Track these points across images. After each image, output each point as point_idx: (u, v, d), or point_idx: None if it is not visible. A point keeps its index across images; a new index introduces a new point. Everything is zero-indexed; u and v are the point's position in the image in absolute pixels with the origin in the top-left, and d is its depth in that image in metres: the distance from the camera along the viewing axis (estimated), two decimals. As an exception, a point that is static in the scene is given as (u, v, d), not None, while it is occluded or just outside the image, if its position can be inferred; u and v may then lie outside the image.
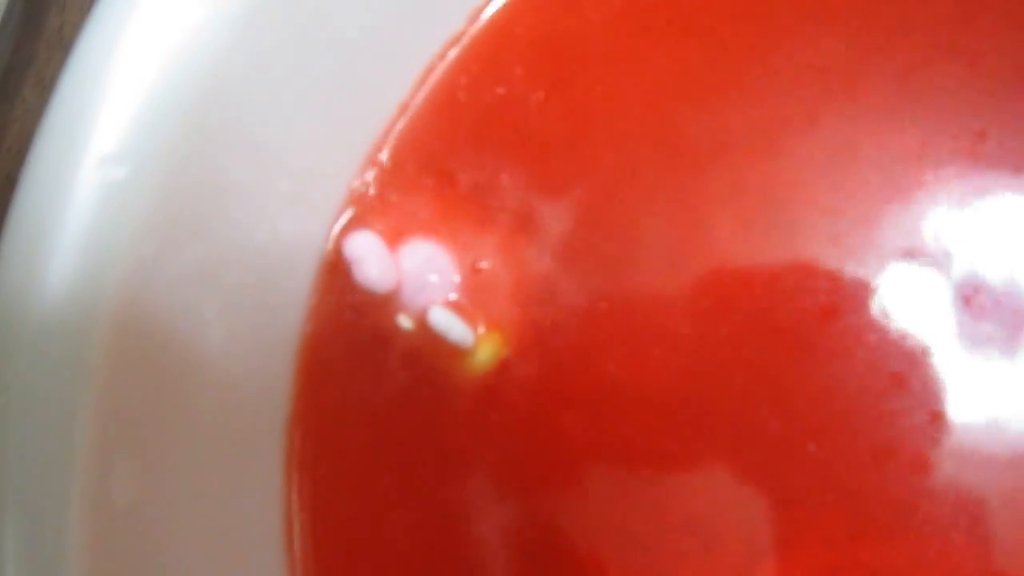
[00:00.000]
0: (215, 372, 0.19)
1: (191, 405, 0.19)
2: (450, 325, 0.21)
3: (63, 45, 0.23)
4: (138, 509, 0.18)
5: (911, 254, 0.20)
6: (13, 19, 0.22)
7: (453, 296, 0.21)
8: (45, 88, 0.23)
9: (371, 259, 0.21)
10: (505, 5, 0.22)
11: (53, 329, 0.17)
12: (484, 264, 0.21)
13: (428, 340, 0.21)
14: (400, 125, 0.21)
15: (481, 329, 0.21)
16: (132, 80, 0.17)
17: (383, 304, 0.21)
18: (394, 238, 0.21)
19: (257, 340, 0.20)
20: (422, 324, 0.21)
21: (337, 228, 0.21)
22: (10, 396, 0.17)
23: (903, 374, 0.20)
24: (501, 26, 0.22)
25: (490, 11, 0.22)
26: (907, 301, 0.20)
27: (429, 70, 0.21)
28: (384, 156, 0.21)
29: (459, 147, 0.21)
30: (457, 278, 0.21)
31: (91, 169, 0.17)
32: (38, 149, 0.17)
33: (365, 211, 0.21)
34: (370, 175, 0.21)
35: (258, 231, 0.19)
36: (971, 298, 0.20)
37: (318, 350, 0.21)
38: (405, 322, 0.21)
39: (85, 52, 0.17)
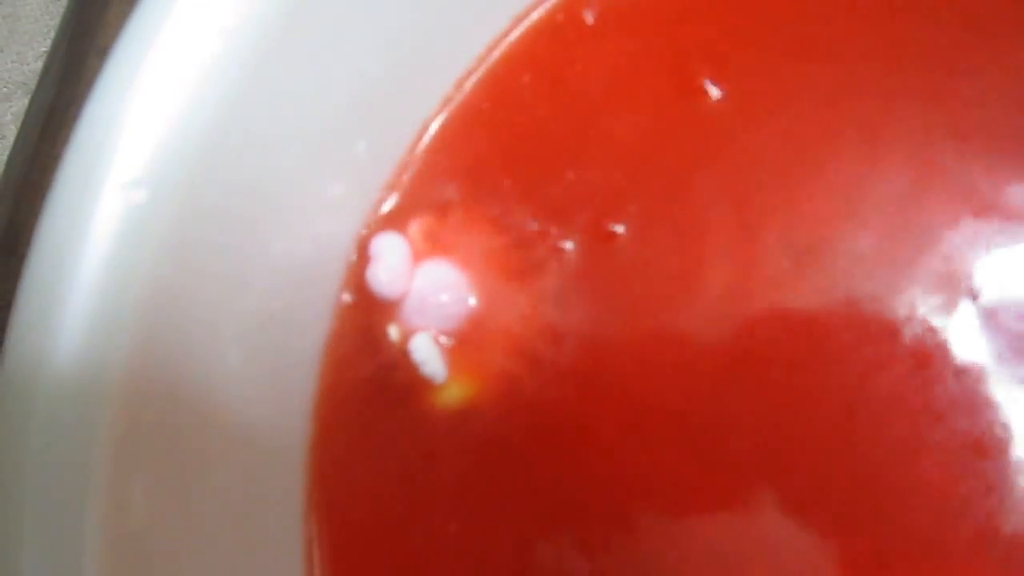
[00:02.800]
0: (233, 394, 0.19)
1: (209, 426, 0.19)
2: (427, 357, 0.21)
3: (103, 88, 0.24)
4: (154, 530, 0.18)
5: (940, 283, 0.20)
6: (56, 63, 0.23)
7: (452, 327, 0.21)
8: (87, 130, 0.24)
9: (385, 262, 0.21)
10: (524, 33, 0.22)
11: (76, 347, 0.17)
12: (501, 307, 0.21)
13: (404, 361, 0.21)
14: (424, 150, 0.22)
15: (454, 368, 0.21)
16: (154, 108, 0.18)
17: (383, 308, 0.21)
18: (421, 254, 0.21)
19: (275, 363, 0.20)
20: (404, 343, 0.21)
21: (354, 254, 0.21)
22: (32, 412, 0.17)
23: (939, 403, 0.19)
24: (518, 56, 0.22)
25: (510, 38, 0.22)
26: (936, 329, 0.20)
27: (448, 99, 0.22)
28: (407, 180, 0.22)
29: (489, 176, 0.22)
30: (466, 311, 0.21)
31: (113, 193, 0.17)
32: (63, 174, 0.18)
33: (405, 223, 0.21)
34: (392, 198, 0.22)
35: (277, 253, 0.20)
36: (1008, 328, 0.19)
37: (336, 373, 0.21)
38: (393, 333, 0.21)
39: (108, 82, 0.18)
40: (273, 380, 0.20)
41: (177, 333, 0.18)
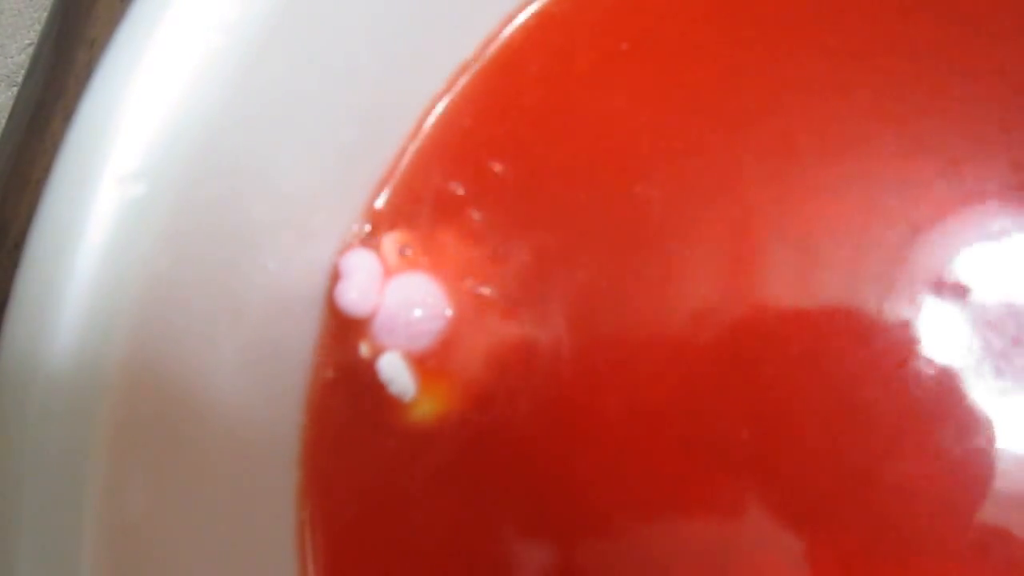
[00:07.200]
0: (228, 389, 0.19)
1: (204, 420, 0.19)
2: (394, 376, 0.20)
3: (92, 81, 0.24)
4: (150, 524, 0.18)
5: (929, 281, 0.20)
6: (43, 55, 0.23)
7: (425, 343, 0.21)
8: (74, 123, 0.24)
9: (355, 279, 0.20)
10: (520, 27, 0.22)
11: (73, 341, 0.17)
12: (476, 320, 0.21)
13: (376, 378, 0.21)
14: (416, 153, 0.22)
15: (427, 384, 0.20)
16: (152, 100, 0.18)
17: (355, 325, 0.21)
18: (394, 269, 0.21)
19: (269, 359, 0.20)
20: (374, 361, 0.21)
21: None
22: (28, 406, 0.17)
23: (928, 402, 0.19)
24: (511, 56, 0.22)
25: (504, 35, 0.22)
26: (926, 327, 0.20)
27: (438, 98, 0.22)
28: (400, 185, 0.22)
29: (471, 182, 0.22)
30: (440, 325, 0.21)
31: (111, 186, 0.17)
32: (60, 167, 0.17)
33: (378, 237, 0.21)
34: (385, 202, 0.22)
35: (271, 250, 0.20)
36: (999, 325, 0.20)
37: (324, 377, 0.21)
38: (364, 350, 0.21)
39: (106, 75, 0.18)
40: (267, 375, 0.20)
41: (173, 327, 0.18)
